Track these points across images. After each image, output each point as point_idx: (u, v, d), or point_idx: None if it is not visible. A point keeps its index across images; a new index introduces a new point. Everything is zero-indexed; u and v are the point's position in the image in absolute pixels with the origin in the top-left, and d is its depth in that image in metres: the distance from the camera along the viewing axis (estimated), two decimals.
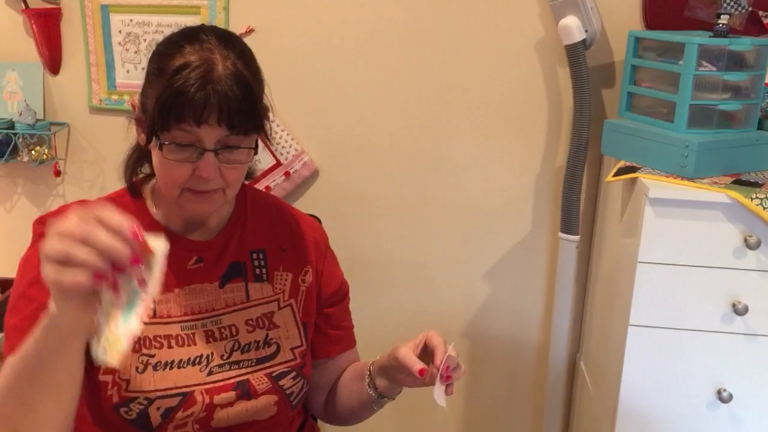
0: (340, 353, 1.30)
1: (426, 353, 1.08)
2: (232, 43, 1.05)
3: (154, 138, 1.03)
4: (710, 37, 1.54)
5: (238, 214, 1.21)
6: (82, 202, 1.13)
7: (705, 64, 1.52)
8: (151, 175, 1.18)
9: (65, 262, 0.77)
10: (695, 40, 1.50)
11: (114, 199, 1.16)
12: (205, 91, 0.98)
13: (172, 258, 1.08)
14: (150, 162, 1.14)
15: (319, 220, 1.38)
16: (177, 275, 1.13)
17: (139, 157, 1.19)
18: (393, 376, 1.14)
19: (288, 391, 1.16)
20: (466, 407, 2.17)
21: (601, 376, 1.75)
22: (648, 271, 1.46)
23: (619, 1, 1.81)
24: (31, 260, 1.08)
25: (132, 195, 1.17)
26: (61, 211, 1.13)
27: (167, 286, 1.11)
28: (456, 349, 1.06)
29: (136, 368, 1.08)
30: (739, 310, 1.45)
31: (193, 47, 1.02)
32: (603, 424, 1.66)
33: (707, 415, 1.52)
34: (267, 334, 1.16)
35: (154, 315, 1.11)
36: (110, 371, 1.07)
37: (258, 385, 1.13)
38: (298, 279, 1.22)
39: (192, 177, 1.03)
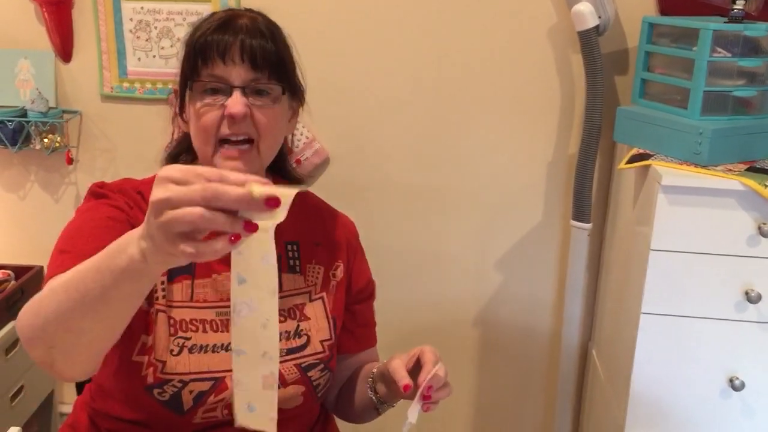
0: (360, 351, 1.30)
1: (418, 367, 1.07)
2: (262, 15, 1.14)
3: (187, 92, 1.08)
4: (725, 22, 1.52)
5: None
6: (127, 183, 1.15)
7: (719, 50, 1.51)
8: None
9: (195, 230, 0.69)
10: (710, 25, 1.49)
11: None
12: (228, 31, 1.06)
13: None
14: (188, 153, 1.19)
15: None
16: (216, 261, 1.14)
17: (178, 151, 1.22)
18: (388, 386, 1.15)
19: (315, 383, 1.17)
20: (478, 395, 2.18)
21: (613, 364, 1.75)
22: (661, 259, 1.46)
23: None
24: (92, 210, 1.09)
25: None
26: (121, 183, 1.15)
27: (206, 272, 1.13)
28: (445, 369, 1.05)
29: (171, 351, 1.08)
30: (752, 298, 1.44)
31: (223, 11, 1.12)
32: (615, 411, 1.65)
33: (719, 403, 1.51)
34: (298, 326, 1.17)
35: (191, 299, 1.12)
36: (146, 351, 1.07)
37: (287, 375, 1.14)
38: (329, 273, 1.23)
39: (223, 123, 1.05)
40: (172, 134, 1.25)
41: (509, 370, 2.15)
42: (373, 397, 1.18)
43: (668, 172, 1.44)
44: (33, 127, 1.98)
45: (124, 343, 1.07)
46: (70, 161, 2.06)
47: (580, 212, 1.87)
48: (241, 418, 0.72)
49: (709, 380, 1.51)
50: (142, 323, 1.09)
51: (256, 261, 0.68)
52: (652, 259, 1.46)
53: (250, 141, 1.09)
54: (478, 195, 2.01)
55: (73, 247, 1.02)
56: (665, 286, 1.47)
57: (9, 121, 1.95)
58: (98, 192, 1.14)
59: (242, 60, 1.06)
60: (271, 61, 1.08)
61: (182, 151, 1.23)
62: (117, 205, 1.10)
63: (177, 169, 0.70)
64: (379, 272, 1.44)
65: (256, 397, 0.72)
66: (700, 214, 1.43)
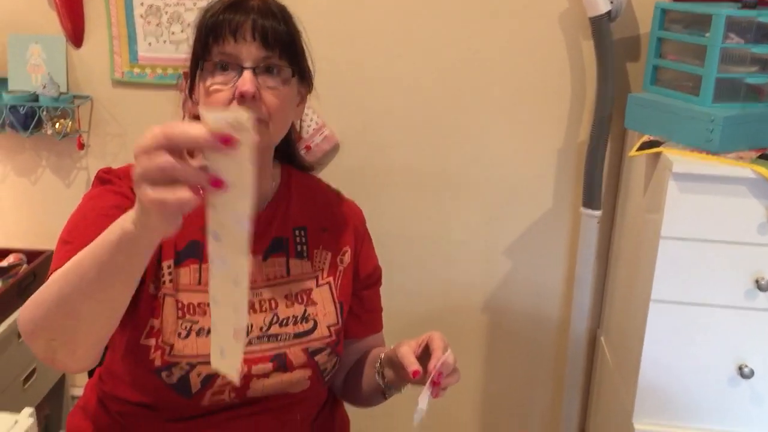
0: (366, 336, 1.31)
1: (427, 354, 1.08)
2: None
3: (198, 70, 1.08)
4: (738, 8, 1.50)
5: (282, 191, 1.23)
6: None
7: (732, 36, 1.49)
8: None
9: (164, 179, 0.70)
10: (723, 11, 1.47)
11: None
12: (239, 11, 1.06)
13: None
14: None
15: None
16: None
17: None
18: (396, 371, 1.15)
19: (322, 367, 1.17)
20: (486, 382, 2.18)
21: (622, 351, 1.75)
22: (671, 246, 1.45)
23: None
24: (96, 197, 1.11)
25: None
26: (129, 168, 1.15)
27: None
28: (454, 356, 1.06)
29: (179, 334, 1.09)
30: (763, 286, 1.43)
31: None
32: (623, 399, 1.66)
33: (728, 390, 1.51)
34: (305, 310, 1.18)
35: (199, 282, 1.12)
36: (153, 335, 1.08)
37: (294, 359, 1.15)
38: (336, 259, 1.23)
39: (233, 104, 1.05)
40: (182, 119, 1.25)
41: (517, 356, 2.15)
42: (381, 382, 1.19)
43: (679, 160, 1.43)
44: (44, 112, 1.99)
45: (132, 327, 1.09)
46: (81, 146, 2.07)
47: (590, 199, 1.86)
48: (214, 362, 0.76)
49: (718, 368, 1.51)
50: (149, 307, 1.10)
51: (231, 222, 0.69)
52: (662, 246, 1.46)
53: (259, 121, 1.09)
54: (487, 182, 2.01)
55: (76, 237, 1.03)
56: (675, 274, 1.47)
57: (21, 106, 1.96)
58: (104, 178, 1.15)
59: (253, 38, 1.06)
60: (282, 41, 1.08)
61: None
62: (122, 191, 1.11)
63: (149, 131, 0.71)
64: (388, 259, 1.44)
65: (228, 344, 0.75)
66: (710, 202, 1.42)
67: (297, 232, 1.21)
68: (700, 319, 1.49)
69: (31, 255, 2.04)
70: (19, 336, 1.90)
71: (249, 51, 1.06)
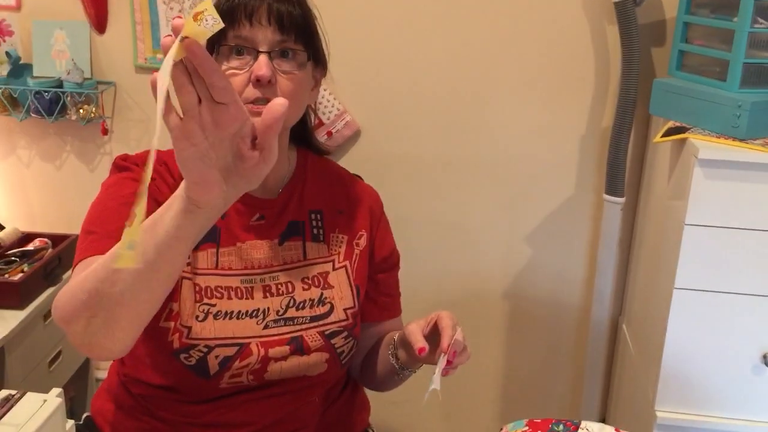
0: (384, 320, 1.31)
1: (435, 332, 1.08)
2: None
3: (214, 55, 1.08)
4: None
5: (298, 175, 1.23)
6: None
7: (761, 20, 1.47)
8: None
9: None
10: None
11: None
12: None
13: (237, 213, 1.15)
14: None
15: (361, 179, 1.39)
16: (241, 230, 1.17)
17: None
18: (408, 351, 1.16)
19: (339, 350, 1.18)
20: (506, 369, 2.18)
21: (644, 339, 1.74)
22: (695, 234, 1.44)
23: None
24: (115, 185, 1.12)
25: None
26: (145, 154, 1.17)
27: (231, 240, 1.15)
28: (463, 333, 1.06)
29: (197, 317, 1.10)
30: None
31: None
32: (645, 387, 1.65)
33: (752, 379, 1.50)
34: (322, 293, 1.18)
35: (216, 266, 1.14)
36: (172, 318, 1.09)
37: (311, 342, 1.15)
38: (353, 242, 1.23)
39: (248, 87, 1.05)
40: None
41: (538, 343, 2.15)
42: (395, 363, 1.20)
43: (705, 146, 1.41)
44: (69, 98, 2.01)
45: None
46: (104, 131, 2.08)
47: (613, 186, 1.85)
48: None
49: (742, 356, 1.50)
50: None
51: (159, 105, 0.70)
52: (687, 233, 1.44)
53: None
54: (510, 167, 2.00)
55: (99, 227, 1.04)
56: (699, 261, 1.46)
57: (45, 91, 1.98)
58: (122, 165, 1.15)
59: (269, 22, 1.06)
60: (297, 24, 1.08)
61: None
62: (140, 178, 1.12)
63: None
64: (408, 245, 1.45)
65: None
66: (736, 189, 1.40)
67: (313, 216, 1.22)
68: (724, 307, 1.47)
69: (56, 239, 2.07)
70: (45, 318, 1.93)
71: (264, 35, 1.06)
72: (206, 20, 0.68)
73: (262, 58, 1.05)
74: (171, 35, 0.69)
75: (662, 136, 1.55)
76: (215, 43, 1.09)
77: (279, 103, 0.75)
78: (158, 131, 0.71)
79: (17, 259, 1.96)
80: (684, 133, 1.50)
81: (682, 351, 1.52)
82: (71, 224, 2.13)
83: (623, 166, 1.83)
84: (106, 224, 1.05)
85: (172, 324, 1.10)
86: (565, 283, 2.07)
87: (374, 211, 1.29)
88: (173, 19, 0.76)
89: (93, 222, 1.07)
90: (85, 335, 0.90)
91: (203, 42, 0.69)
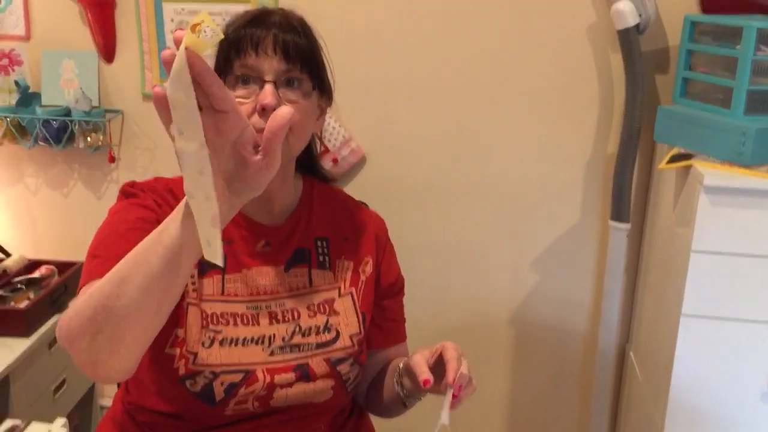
0: (390, 346, 1.31)
1: (441, 363, 1.07)
2: (294, 13, 1.16)
3: None
4: None
5: (304, 202, 1.24)
6: (160, 181, 1.19)
7: (764, 48, 1.48)
8: None
9: None
10: (754, 23, 1.46)
11: None
12: (261, 25, 1.08)
13: (243, 240, 1.16)
14: None
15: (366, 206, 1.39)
16: (246, 256, 1.17)
17: None
18: (413, 380, 1.15)
19: (345, 377, 1.18)
20: (512, 395, 2.17)
21: (652, 366, 1.73)
22: (702, 261, 1.44)
23: None
24: (122, 211, 1.12)
25: None
26: (152, 182, 1.18)
27: (236, 266, 1.16)
28: (469, 366, 1.05)
29: (203, 343, 1.10)
30: None
31: (257, 9, 1.15)
32: (653, 415, 1.63)
33: (760, 406, 1.49)
34: (327, 320, 1.18)
35: (222, 293, 1.14)
36: (178, 344, 1.09)
37: (317, 369, 1.15)
38: (358, 269, 1.23)
39: (254, 116, 1.06)
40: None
41: (544, 370, 2.13)
42: (400, 391, 1.19)
43: (710, 173, 1.42)
44: (77, 126, 2.02)
45: (160, 336, 1.09)
46: (112, 159, 2.10)
47: (618, 212, 1.85)
48: (205, 253, 0.81)
49: (751, 384, 1.48)
50: (174, 316, 1.10)
51: (187, 115, 0.73)
52: (693, 260, 1.44)
53: None
54: (515, 193, 2.00)
55: (105, 251, 1.05)
56: (706, 288, 1.45)
57: (54, 120, 2.00)
58: (129, 191, 1.16)
59: (275, 52, 1.07)
60: (303, 54, 1.10)
61: None
62: (146, 204, 1.13)
63: None
64: (413, 270, 1.45)
65: (209, 235, 0.78)
66: (743, 216, 1.40)
67: (319, 243, 1.22)
68: (733, 334, 1.47)
69: (62, 266, 2.07)
70: (50, 346, 1.93)
71: (270, 64, 1.07)
72: (205, 32, 0.71)
73: (268, 87, 1.06)
74: (170, 48, 0.72)
75: (667, 163, 1.55)
76: (222, 73, 1.11)
77: (285, 111, 0.78)
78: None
79: (23, 287, 1.96)
80: (689, 159, 1.50)
81: (690, 378, 1.51)
82: (77, 252, 2.13)
83: (628, 192, 1.83)
84: (111, 248, 1.04)
85: (178, 350, 1.10)
86: (572, 309, 2.07)
87: (380, 237, 1.29)
88: (174, 31, 0.77)
89: (98, 246, 1.08)
90: (89, 353, 0.89)
91: (205, 53, 0.71)
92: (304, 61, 1.10)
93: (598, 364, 2.02)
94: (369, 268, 1.25)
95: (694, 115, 1.57)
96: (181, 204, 0.83)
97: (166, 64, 0.71)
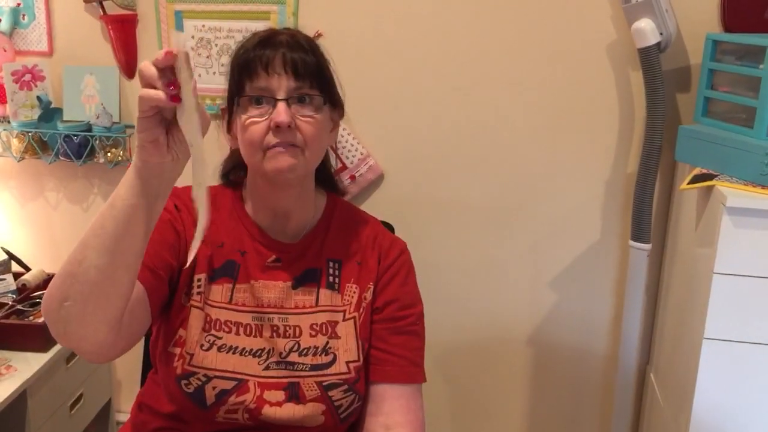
0: (389, 383, 1.20)
1: None
2: (300, 32, 1.19)
3: (234, 106, 1.14)
4: None
5: (322, 224, 1.25)
6: (186, 189, 1.22)
7: None
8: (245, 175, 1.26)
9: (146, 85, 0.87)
10: None
11: (216, 189, 1.26)
12: (269, 46, 1.11)
13: (257, 253, 1.19)
14: (242, 168, 1.25)
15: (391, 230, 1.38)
16: (257, 269, 1.19)
17: (233, 167, 1.28)
18: None
19: (337, 403, 1.16)
20: (531, 415, 2.14)
21: (673, 389, 1.70)
22: (724, 283, 1.41)
23: (695, 3, 1.76)
24: None
25: (231, 187, 1.26)
26: (177, 188, 1.20)
27: (246, 278, 1.18)
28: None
29: (202, 345, 1.13)
30: None
31: (263, 30, 1.18)
32: None
33: None
34: (327, 342, 1.17)
35: (230, 301, 1.16)
36: (179, 344, 1.13)
37: (307, 390, 1.14)
38: (362, 295, 1.22)
39: (270, 134, 1.10)
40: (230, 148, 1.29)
41: (563, 392, 2.11)
42: None
43: (733, 194, 1.40)
44: (97, 141, 2.04)
45: (164, 334, 1.16)
46: None
47: (639, 232, 1.83)
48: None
49: None
50: (179, 317, 1.15)
51: (191, 130, 0.88)
52: (716, 282, 1.41)
53: (295, 148, 1.12)
54: (534, 213, 1.99)
55: None
56: (729, 311, 1.43)
57: (75, 135, 2.01)
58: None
59: (285, 71, 1.11)
60: (311, 71, 1.13)
61: (234, 167, 1.27)
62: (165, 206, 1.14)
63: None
64: (431, 288, 1.43)
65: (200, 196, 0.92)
66: (766, 237, 1.38)
67: (331, 264, 1.22)
68: (756, 358, 1.44)
69: None
70: (68, 361, 1.93)
71: (281, 83, 1.10)
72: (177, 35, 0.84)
73: (281, 106, 1.09)
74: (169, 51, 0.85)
75: (689, 183, 1.53)
76: (234, 96, 1.13)
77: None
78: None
79: (42, 301, 1.97)
80: (711, 180, 1.49)
81: (712, 402, 1.48)
82: None
83: (649, 212, 1.81)
84: None
85: (179, 350, 1.13)
86: (591, 330, 2.04)
87: (392, 262, 1.24)
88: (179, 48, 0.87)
89: None
90: (61, 322, 0.94)
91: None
92: (313, 77, 1.13)
93: (618, 386, 1.99)
94: (370, 295, 1.23)
95: (716, 135, 1.55)
96: (130, 168, 0.92)
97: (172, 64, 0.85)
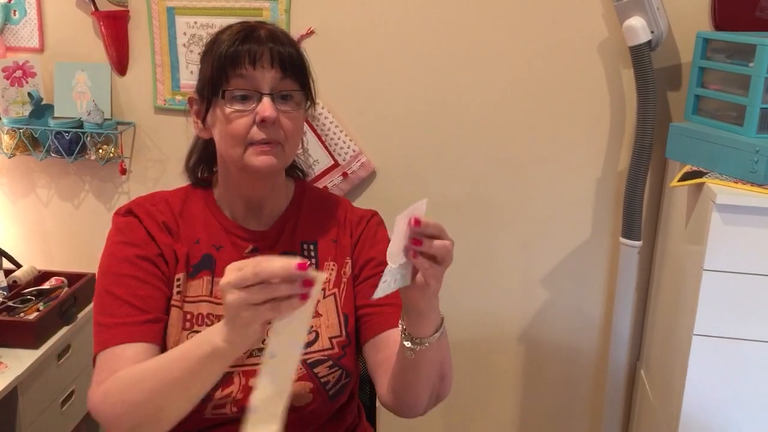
0: (385, 329, 1.21)
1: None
2: (275, 26, 1.19)
3: (214, 97, 1.13)
4: None
5: (293, 207, 1.26)
6: (158, 194, 1.24)
7: None
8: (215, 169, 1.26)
9: (250, 307, 0.87)
10: (767, 41, 1.45)
11: (186, 191, 1.25)
12: (254, 41, 1.11)
13: (233, 245, 1.20)
14: (206, 162, 1.26)
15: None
16: (234, 260, 1.16)
17: (198, 159, 1.28)
18: (410, 314, 1.11)
19: (323, 380, 1.17)
20: (521, 412, 2.15)
21: (663, 385, 1.71)
22: (714, 280, 1.42)
23: (686, 1, 1.77)
24: (115, 255, 1.17)
25: (201, 187, 1.26)
26: (147, 201, 1.22)
27: (223, 271, 1.15)
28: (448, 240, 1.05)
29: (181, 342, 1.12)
30: None
31: (238, 23, 1.18)
32: None
33: None
34: None
35: (210, 294, 1.17)
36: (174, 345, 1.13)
37: None
38: (341, 271, 1.24)
39: (253, 128, 1.11)
40: (195, 142, 1.29)
41: (554, 388, 2.11)
42: (408, 342, 1.11)
43: (723, 191, 1.41)
44: (88, 138, 2.03)
45: (154, 331, 1.15)
46: (123, 171, 2.10)
47: (629, 229, 1.83)
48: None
49: (763, 405, 1.46)
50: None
51: (291, 345, 0.89)
52: (706, 279, 1.42)
53: (276, 143, 1.13)
54: (525, 210, 1.99)
55: (111, 316, 1.11)
56: (719, 308, 1.44)
57: (66, 132, 2.01)
58: (120, 226, 1.19)
59: (272, 65, 1.11)
60: (297, 66, 1.14)
61: (199, 161, 1.28)
62: (134, 240, 1.16)
63: (235, 269, 0.89)
64: None
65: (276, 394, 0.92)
66: (755, 234, 1.39)
67: (305, 246, 1.23)
68: (745, 354, 1.45)
69: (72, 278, 2.08)
70: (59, 358, 1.93)
71: (266, 77, 1.11)
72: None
73: (266, 100, 1.11)
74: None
75: (679, 180, 1.54)
76: (216, 87, 1.13)
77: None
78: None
79: (33, 298, 1.97)
80: (701, 177, 1.49)
81: (702, 399, 1.49)
82: (88, 263, 2.14)
83: (640, 209, 1.82)
84: (115, 312, 1.11)
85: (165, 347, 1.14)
86: (582, 326, 2.05)
87: (364, 231, 1.26)
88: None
89: (101, 312, 1.13)
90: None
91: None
92: (298, 71, 1.15)
93: (608, 383, 2.00)
94: (348, 269, 1.24)
95: (707, 133, 1.56)
96: (211, 338, 0.93)
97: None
